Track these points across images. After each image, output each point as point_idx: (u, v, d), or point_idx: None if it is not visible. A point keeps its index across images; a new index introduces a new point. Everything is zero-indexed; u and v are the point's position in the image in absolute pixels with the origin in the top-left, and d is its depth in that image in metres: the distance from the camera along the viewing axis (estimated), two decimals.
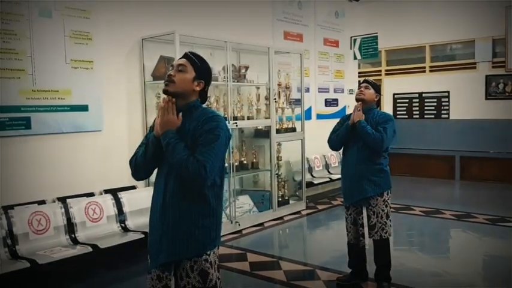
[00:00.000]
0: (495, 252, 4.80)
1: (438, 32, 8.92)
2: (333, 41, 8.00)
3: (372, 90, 3.66)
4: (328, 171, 7.54)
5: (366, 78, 3.97)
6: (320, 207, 6.83)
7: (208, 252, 2.07)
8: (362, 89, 3.67)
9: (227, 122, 5.30)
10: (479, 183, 8.31)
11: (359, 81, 6.98)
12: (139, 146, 2.17)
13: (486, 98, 8.54)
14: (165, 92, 2.07)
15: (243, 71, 5.85)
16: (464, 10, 8.59)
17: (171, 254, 2.03)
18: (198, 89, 2.10)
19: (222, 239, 5.15)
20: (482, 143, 8.41)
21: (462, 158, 8.66)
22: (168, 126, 2.01)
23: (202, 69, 2.11)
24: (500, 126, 8.28)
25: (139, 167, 2.12)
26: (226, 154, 2.39)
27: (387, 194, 3.62)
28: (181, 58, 2.13)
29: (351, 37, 8.29)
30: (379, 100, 3.80)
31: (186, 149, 1.95)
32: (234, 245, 5.04)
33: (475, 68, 8.65)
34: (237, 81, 5.72)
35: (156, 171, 2.15)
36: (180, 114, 2.04)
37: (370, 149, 3.53)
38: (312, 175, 7.24)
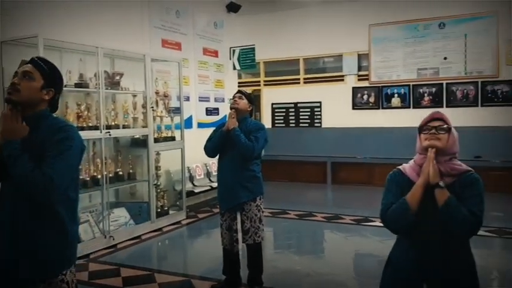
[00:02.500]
0: (361, 251, 5.23)
1: (311, 46, 9.53)
2: (212, 51, 8.10)
3: (245, 100, 3.79)
4: (210, 179, 7.58)
5: (240, 89, 4.11)
6: (201, 215, 6.83)
7: (64, 272, 1.95)
8: (236, 99, 3.79)
9: (99, 131, 5.07)
10: (348, 186, 9.00)
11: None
12: None
13: (353, 108, 9.32)
14: (7, 101, 1.87)
15: (117, 78, 5.63)
16: (333, 26, 9.30)
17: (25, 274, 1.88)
18: (47, 97, 1.95)
19: (95, 255, 4.90)
20: (350, 149, 9.13)
21: (333, 163, 9.32)
22: (11, 135, 1.83)
23: (51, 77, 1.96)
24: (366, 133, 9.07)
25: None
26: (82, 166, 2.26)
27: (260, 199, 3.74)
28: (27, 64, 1.97)
29: (230, 48, 8.48)
30: (252, 110, 3.93)
31: (31, 161, 1.79)
32: (108, 260, 4.80)
33: (343, 80, 9.40)
34: (111, 89, 5.49)
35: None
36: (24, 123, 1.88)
37: (242, 156, 3.62)
38: (193, 184, 7.22)
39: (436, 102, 8.54)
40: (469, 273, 2.08)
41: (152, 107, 5.92)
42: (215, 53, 8.19)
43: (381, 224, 2.14)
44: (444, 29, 8.40)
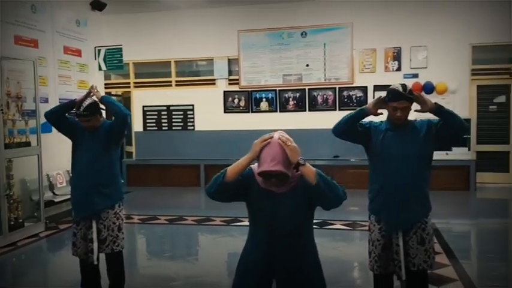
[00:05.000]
0: (231, 251, 5.30)
1: (183, 49, 9.49)
2: (74, 50, 7.62)
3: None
4: None
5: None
6: (63, 226, 6.34)
7: None
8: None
9: None
10: None
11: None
12: None
13: (225, 112, 9.49)
14: None
15: None
16: (204, 30, 9.37)
17: None
18: None
19: None
20: (223, 152, 9.25)
21: (206, 166, 9.37)
22: None
23: None
24: (238, 136, 9.28)
25: None
26: None
27: (119, 207, 3.57)
28: None
29: (95, 47, 8.07)
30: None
31: None
32: None
33: (214, 84, 9.53)
34: None
35: None
36: None
37: (102, 158, 3.44)
38: (53, 193, 6.70)
39: (300, 106, 9.10)
40: (314, 265, 2.24)
41: (1, 110, 5.36)
42: (78, 52, 7.71)
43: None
44: (306, 37, 8.98)
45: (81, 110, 3.34)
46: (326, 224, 5.81)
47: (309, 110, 9.05)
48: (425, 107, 2.80)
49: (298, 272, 2.16)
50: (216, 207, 7.53)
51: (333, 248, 5.04)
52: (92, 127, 3.43)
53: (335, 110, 8.89)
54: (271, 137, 2.11)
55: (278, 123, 8.73)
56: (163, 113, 9.77)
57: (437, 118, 2.85)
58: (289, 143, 2.07)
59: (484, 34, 8.37)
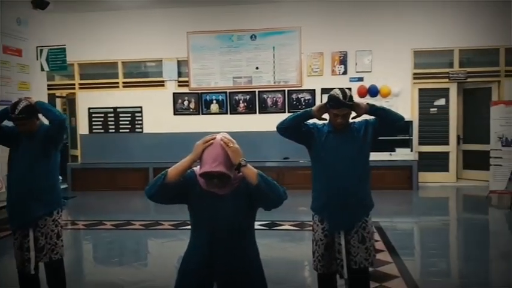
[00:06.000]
0: (179, 254, 5.20)
1: (130, 50, 9.30)
2: (15, 50, 7.28)
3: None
4: None
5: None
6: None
7: None
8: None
9: None
10: None
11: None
12: None
13: (174, 114, 9.38)
14: None
15: None
16: (153, 31, 9.22)
17: None
18: None
19: None
20: (173, 154, 9.10)
21: (156, 169, 9.19)
22: None
23: None
24: (188, 138, 9.16)
25: None
26: None
27: (58, 213, 3.43)
28: None
29: (37, 47, 7.75)
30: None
31: None
32: None
33: (163, 85, 9.40)
34: None
35: None
36: None
37: (40, 164, 3.29)
38: None
39: (250, 108, 9.15)
40: (256, 265, 2.26)
41: None
42: (18, 52, 7.37)
43: None
44: (255, 40, 9.05)
45: (16, 113, 3.18)
46: (275, 225, 5.86)
47: (259, 113, 9.12)
48: (360, 111, 2.93)
49: (239, 274, 2.17)
50: (165, 211, 7.43)
51: (282, 249, 5.09)
52: (29, 131, 3.27)
53: (284, 112, 8.99)
54: (214, 138, 2.11)
55: (228, 125, 8.75)
56: (110, 115, 9.52)
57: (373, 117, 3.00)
58: (231, 145, 2.08)
59: (424, 40, 8.75)
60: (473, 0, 8.59)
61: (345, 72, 8.94)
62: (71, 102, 10.13)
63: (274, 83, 9.09)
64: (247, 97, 9.17)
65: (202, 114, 9.30)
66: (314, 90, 8.97)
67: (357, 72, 8.92)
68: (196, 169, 2.21)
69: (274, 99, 9.11)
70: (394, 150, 8.47)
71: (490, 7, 8.54)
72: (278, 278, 4.15)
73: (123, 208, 7.84)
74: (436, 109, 9.08)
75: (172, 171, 2.11)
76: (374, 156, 7.49)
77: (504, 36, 8.30)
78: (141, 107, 9.44)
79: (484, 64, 8.86)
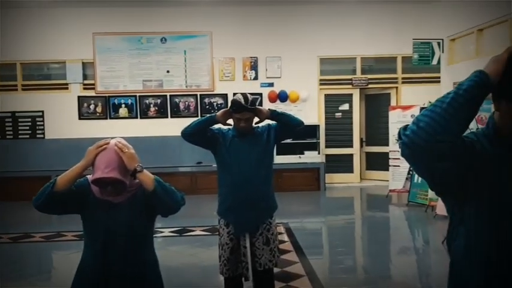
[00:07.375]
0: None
1: (30, 50, 8.73)
2: None
3: None
4: None
5: None
6: None
7: None
8: None
9: None
10: None
11: None
12: None
13: (79, 118, 8.93)
14: None
15: None
16: (56, 30, 8.74)
17: None
18: None
19: None
20: (77, 161, 8.66)
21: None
22: None
23: None
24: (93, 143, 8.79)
25: None
26: None
27: None
28: None
29: None
30: None
31: None
32: None
33: (67, 88, 8.91)
34: None
35: None
36: None
37: None
38: None
39: (161, 112, 8.98)
40: (153, 273, 2.20)
41: None
42: None
43: None
44: (166, 43, 8.91)
45: None
46: (186, 231, 5.77)
47: (171, 117, 8.98)
48: (262, 116, 3.01)
49: (136, 282, 2.09)
50: (68, 221, 7.04)
51: (191, 255, 5.03)
52: None
53: (197, 116, 8.93)
54: (107, 143, 2.03)
55: (139, 129, 8.52)
56: (7, 120, 8.82)
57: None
58: (126, 150, 2.02)
59: (330, 48, 9.19)
60: (374, 11, 9.18)
61: (256, 78, 9.11)
62: None
63: (186, 87, 9.01)
64: (159, 101, 8.99)
65: (110, 118, 8.95)
66: (226, 94, 9.03)
67: (267, 77, 9.13)
68: (90, 176, 2.11)
69: (187, 103, 9.03)
70: (303, 153, 8.78)
71: (389, 19, 9.19)
72: (185, 283, 4.11)
73: (21, 220, 7.25)
74: (340, 114, 9.57)
75: (62, 178, 2.00)
76: (284, 159, 7.81)
77: (401, 46, 8.98)
78: (42, 111, 8.86)
79: (384, 71, 9.51)
